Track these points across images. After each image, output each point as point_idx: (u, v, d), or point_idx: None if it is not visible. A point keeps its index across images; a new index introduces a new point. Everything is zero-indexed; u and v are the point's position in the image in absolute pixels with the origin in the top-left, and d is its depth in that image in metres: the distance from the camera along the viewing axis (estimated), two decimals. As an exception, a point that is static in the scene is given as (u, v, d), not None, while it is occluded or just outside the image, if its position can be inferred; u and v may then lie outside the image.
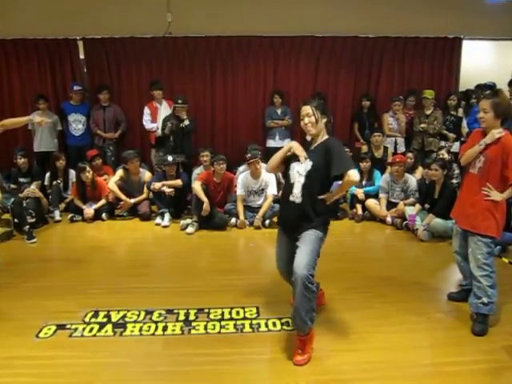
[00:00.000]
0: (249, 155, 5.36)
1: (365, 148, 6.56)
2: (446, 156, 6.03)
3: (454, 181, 5.72)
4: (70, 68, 6.92)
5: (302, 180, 2.68)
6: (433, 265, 4.24)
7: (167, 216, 5.45)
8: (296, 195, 2.68)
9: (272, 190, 5.39)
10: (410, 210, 5.13)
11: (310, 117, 2.66)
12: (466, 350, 2.73)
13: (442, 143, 6.52)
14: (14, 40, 6.67)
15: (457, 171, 5.97)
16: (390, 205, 5.52)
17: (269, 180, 5.41)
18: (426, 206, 5.05)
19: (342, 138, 6.87)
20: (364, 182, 5.81)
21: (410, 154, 6.18)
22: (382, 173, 5.86)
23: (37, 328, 3.01)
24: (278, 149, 6.68)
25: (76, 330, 3.00)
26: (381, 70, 7.19)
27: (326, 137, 2.73)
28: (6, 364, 2.63)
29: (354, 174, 2.58)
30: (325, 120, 2.70)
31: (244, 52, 6.97)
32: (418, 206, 5.11)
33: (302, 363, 2.59)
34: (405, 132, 6.74)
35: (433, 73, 7.20)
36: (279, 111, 6.81)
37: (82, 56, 6.94)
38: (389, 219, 5.37)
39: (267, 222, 5.31)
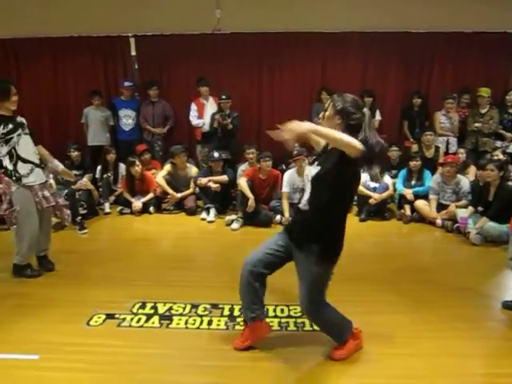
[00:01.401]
0: (295, 152, 5.32)
1: (415, 147, 6.36)
2: (501, 157, 5.76)
3: (510, 183, 5.45)
4: (121, 64, 7.11)
5: (309, 187, 2.42)
6: (485, 270, 4.05)
7: (213, 211, 5.50)
8: (303, 202, 2.46)
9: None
10: (462, 213, 4.94)
11: (326, 111, 2.39)
12: (521, 362, 2.59)
13: (498, 143, 6.24)
14: (69, 38, 6.91)
15: (513, 173, 5.68)
16: (441, 207, 5.33)
17: (314, 177, 5.35)
18: (480, 208, 4.84)
19: (390, 137, 6.71)
20: (413, 183, 5.65)
21: (461, 150, 5.95)
22: (433, 173, 5.66)
23: (87, 316, 3.12)
24: (324, 146, 6.66)
25: (124, 319, 3.08)
26: (433, 66, 6.94)
27: None
28: (58, 349, 2.74)
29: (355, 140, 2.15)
30: (339, 121, 2.30)
31: (292, 48, 6.91)
32: (470, 209, 4.91)
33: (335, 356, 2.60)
34: (458, 131, 6.49)
35: (489, 69, 6.86)
36: (327, 109, 6.71)
37: (133, 53, 7.10)
38: (439, 221, 5.19)
39: (312, 220, 5.25)
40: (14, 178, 3.57)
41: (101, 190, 5.97)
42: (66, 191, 5.40)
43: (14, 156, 3.57)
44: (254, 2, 6.61)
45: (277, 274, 2.77)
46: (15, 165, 3.58)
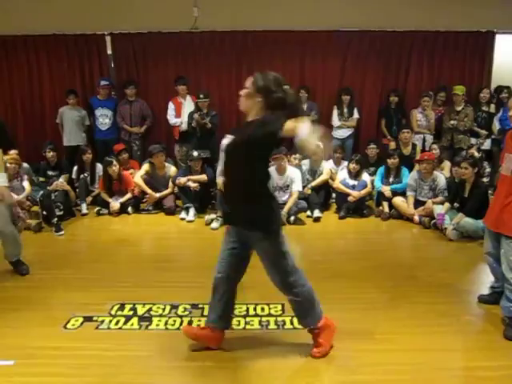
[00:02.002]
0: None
1: (392, 145, 6.45)
2: (476, 154, 5.88)
3: (485, 179, 5.57)
4: (97, 63, 7.01)
5: (223, 156, 2.41)
6: (462, 265, 4.12)
7: (192, 211, 5.46)
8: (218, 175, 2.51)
9: (297, 187, 5.34)
10: (439, 209, 5.01)
11: (244, 89, 2.34)
12: (497, 355, 2.64)
13: (473, 140, 6.37)
14: (44, 36, 6.78)
15: (488, 169, 5.81)
16: (418, 203, 5.39)
17: (294, 176, 5.36)
18: (456, 204, 4.92)
19: (368, 135, 6.81)
20: (391, 180, 5.71)
21: (434, 146, 6.04)
22: (410, 170, 5.74)
23: (64, 319, 3.06)
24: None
25: (103, 322, 3.03)
26: (410, 65, 7.04)
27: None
28: (35, 354, 2.67)
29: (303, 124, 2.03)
30: (260, 99, 2.25)
31: (270, 47, 6.91)
32: (447, 205, 4.99)
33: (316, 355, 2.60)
34: (434, 129, 6.60)
35: (464, 68, 7.01)
36: (305, 106, 6.74)
37: (109, 51, 7.01)
38: (416, 218, 5.26)
39: (292, 218, 5.27)
40: None
41: (77, 190, 5.86)
42: (42, 192, 5.30)
43: None
44: (232, 0, 6.59)
45: (255, 272, 2.75)
46: None
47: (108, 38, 6.93)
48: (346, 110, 6.72)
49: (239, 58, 6.98)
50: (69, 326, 2.99)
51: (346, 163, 5.99)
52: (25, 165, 5.82)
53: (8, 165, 5.22)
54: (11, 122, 7.02)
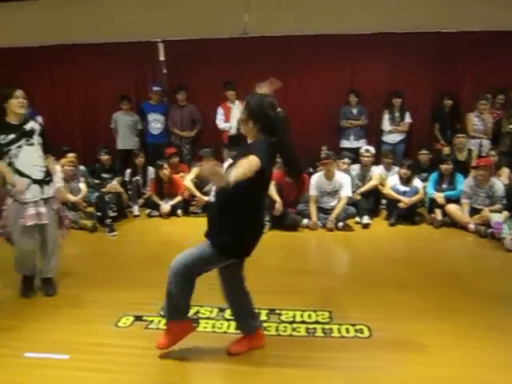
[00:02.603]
0: (323, 155, 5.27)
1: (446, 150, 6.23)
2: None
3: (548, 187, 5.26)
4: (150, 69, 7.24)
5: None
6: (522, 278, 3.91)
7: (239, 215, 5.49)
8: (212, 194, 2.49)
9: (346, 192, 5.27)
10: (497, 217, 4.78)
11: (242, 114, 2.43)
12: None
13: (534, 146, 6.03)
14: (100, 44, 7.08)
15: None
16: (473, 211, 5.17)
17: (343, 181, 5.29)
18: (515, 213, 4.69)
19: (420, 139, 6.60)
20: (445, 186, 5.51)
21: (492, 152, 5.78)
22: (465, 176, 5.51)
23: (116, 317, 3.15)
24: (351, 149, 6.60)
25: (152, 322, 3.10)
26: (465, 66, 6.77)
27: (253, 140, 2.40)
28: (87, 350, 2.78)
29: (252, 159, 2.16)
30: (252, 125, 2.37)
31: (319, 51, 6.87)
32: (505, 213, 4.76)
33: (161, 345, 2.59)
34: (491, 133, 6.30)
35: (525, 69, 6.65)
36: (355, 111, 6.66)
37: (161, 58, 7.21)
38: (471, 226, 5.04)
39: (340, 224, 5.19)
40: (9, 191, 3.34)
41: (130, 192, 6.05)
42: (97, 194, 5.51)
43: (12, 169, 3.30)
44: (282, 5, 6.61)
45: (302, 279, 2.73)
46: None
47: (161, 45, 7.13)
48: (397, 114, 6.56)
49: (288, 63, 6.96)
50: (120, 324, 3.09)
51: (396, 169, 5.85)
52: (81, 167, 6.10)
53: (66, 167, 5.50)
54: (69, 126, 7.38)
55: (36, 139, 3.39)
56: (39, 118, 6.82)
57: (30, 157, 3.34)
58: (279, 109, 2.37)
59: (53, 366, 2.65)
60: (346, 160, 5.86)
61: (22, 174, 3.32)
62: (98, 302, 3.44)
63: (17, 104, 3.26)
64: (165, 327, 2.68)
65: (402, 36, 6.64)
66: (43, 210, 3.39)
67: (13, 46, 7.10)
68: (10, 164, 3.30)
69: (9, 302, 3.48)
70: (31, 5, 6.79)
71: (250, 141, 2.45)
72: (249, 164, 2.15)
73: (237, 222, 2.38)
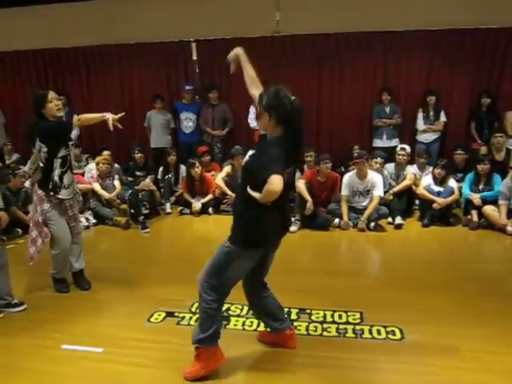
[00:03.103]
0: (355, 154, 5.22)
1: (483, 149, 6.05)
2: None
3: None
4: (183, 69, 7.32)
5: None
6: None
7: (270, 213, 5.50)
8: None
9: (378, 192, 5.19)
10: (536, 220, 4.62)
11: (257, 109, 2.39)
12: None
13: None
14: (134, 44, 7.22)
15: None
16: (511, 213, 5.01)
17: (376, 181, 5.21)
18: (556, 215, 4.51)
19: (456, 139, 6.43)
20: (481, 187, 5.34)
21: None
22: (503, 177, 5.33)
23: (148, 312, 3.22)
24: (384, 148, 6.50)
25: (183, 318, 3.15)
26: (504, 64, 6.53)
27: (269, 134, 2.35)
28: (121, 343, 2.85)
29: (274, 181, 2.12)
30: (268, 117, 2.28)
31: (352, 49, 6.79)
32: (545, 216, 4.58)
33: (186, 375, 2.48)
34: (532, 133, 6.09)
35: None
36: (388, 109, 6.55)
37: (194, 57, 7.28)
38: (510, 228, 4.87)
39: (372, 224, 5.12)
40: (52, 190, 3.36)
41: (162, 190, 6.15)
42: (130, 191, 5.63)
43: (68, 162, 3.41)
44: (314, 3, 6.56)
45: (334, 279, 2.71)
46: (64, 172, 3.39)
47: (193, 45, 7.20)
48: (431, 113, 6.41)
49: (320, 61, 6.93)
50: (152, 319, 3.14)
51: (430, 168, 5.71)
52: (116, 165, 6.25)
53: (101, 165, 5.64)
54: (104, 125, 7.53)
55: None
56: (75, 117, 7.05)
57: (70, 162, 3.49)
58: (293, 97, 2.30)
59: (87, 358, 2.73)
60: (379, 159, 5.77)
61: (72, 171, 3.49)
62: (131, 297, 3.51)
63: (55, 108, 3.33)
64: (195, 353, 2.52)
65: (438, 33, 6.48)
66: (76, 211, 3.58)
67: (51, 47, 7.34)
68: (67, 157, 3.39)
69: (47, 295, 3.60)
70: (69, 7, 6.99)
71: (268, 135, 2.38)
72: (271, 189, 2.13)
73: (250, 214, 2.34)
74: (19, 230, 4.85)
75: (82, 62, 7.52)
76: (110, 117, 3.33)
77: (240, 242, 2.36)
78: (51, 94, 3.35)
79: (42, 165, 3.36)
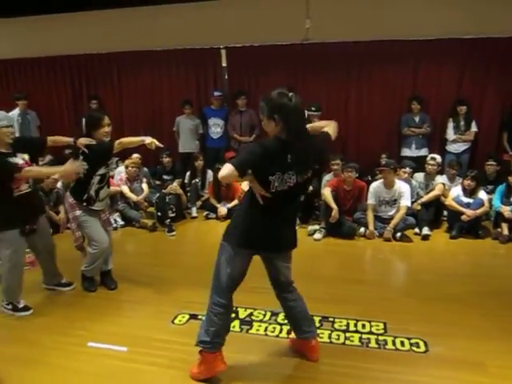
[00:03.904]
0: (382, 163, 5.17)
1: (516, 161, 5.90)
2: None
3: None
4: (212, 75, 7.40)
5: None
6: None
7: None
8: None
9: (406, 202, 5.12)
10: None
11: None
12: None
13: None
14: (165, 51, 7.34)
15: None
16: (544, 227, 4.87)
17: (403, 190, 5.14)
18: None
19: (487, 150, 6.30)
20: (512, 199, 5.22)
21: None
22: (536, 190, 5.19)
23: (172, 314, 3.27)
24: (413, 158, 6.40)
25: (206, 321, 3.17)
26: (540, 73, 6.37)
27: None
28: (145, 343, 2.91)
29: (224, 168, 2.18)
30: (273, 123, 2.25)
31: (382, 57, 6.73)
32: None
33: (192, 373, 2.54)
34: None
35: None
36: (417, 118, 6.47)
37: (224, 64, 7.36)
38: (541, 243, 4.74)
39: (398, 234, 5.05)
40: (85, 201, 3.48)
41: (189, 194, 6.22)
42: (158, 194, 5.72)
43: (106, 179, 3.55)
44: (344, 11, 6.55)
45: (358, 288, 2.69)
46: (101, 188, 3.50)
47: (223, 52, 7.29)
48: (462, 123, 6.30)
49: (349, 69, 6.90)
50: (176, 321, 3.19)
51: (460, 179, 5.61)
52: (144, 168, 6.36)
53: (130, 168, 5.76)
54: (134, 129, 7.71)
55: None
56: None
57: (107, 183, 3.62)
58: (291, 93, 2.24)
59: (112, 356, 2.80)
60: (407, 169, 5.70)
61: (109, 186, 3.70)
62: (155, 298, 3.57)
63: (103, 134, 3.43)
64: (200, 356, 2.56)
65: (470, 41, 6.37)
66: (108, 215, 3.79)
67: (85, 52, 7.56)
68: (106, 174, 3.54)
69: (74, 294, 3.71)
70: (103, 14, 7.17)
71: None
72: (224, 171, 2.18)
73: (239, 214, 2.46)
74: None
75: (114, 67, 7.69)
76: (149, 141, 3.40)
77: (225, 237, 2.47)
78: (106, 120, 3.46)
79: (80, 175, 3.39)
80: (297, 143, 2.23)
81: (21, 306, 3.34)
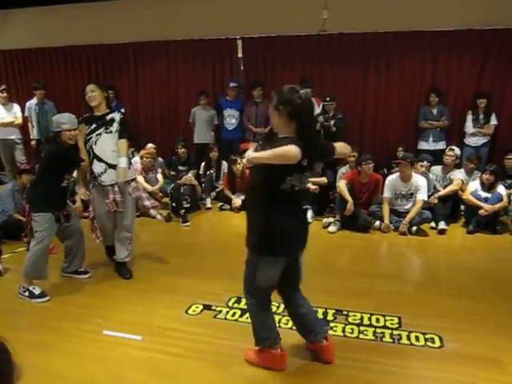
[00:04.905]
0: (400, 156, 5.10)
1: (536, 156, 5.77)
2: None
3: None
4: (228, 66, 7.36)
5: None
6: None
7: (310, 212, 5.47)
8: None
9: (422, 196, 5.05)
10: None
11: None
12: None
13: None
14: (181, 41, 7.33)
15: None
16: None
17: (420, 184, 5.07)
18: None
19: (507, 143, 6.17)
20: (533, 194, 5.12)
21: None
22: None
23: (186, 304, 3.29)
24: (430, 151, 6.30)
25: (220, 312, 3.20)
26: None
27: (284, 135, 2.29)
28: (160, 332, 2.94)
29: (290, 147, 2.12)
30: (279, 115, 2.25)
31: (400, 48, 6.61)
32: None
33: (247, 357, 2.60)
34: None
35: None
36: (435, 111, 6.36)
37: (240, 54, 7.32)
38: (561, 239, 4.65)
39: (414, 228, 5.00)
40: (91, 175, 3.73)
41: (203, 185, 6.24)
42: (172, 185, 5.74)
43: (91, 154, 3.66)
44: (362, 1, 6.45)
45: (372, 281, 2.66)
46: (91, 163, 3.67)
47: (239, 42, 7.24)
48: (481, 116, 6.18)
49: (367, 61, 6.80)
50: (190, 311, 3.21)
51: (478, 174, 5.51)
52: (159, 159, 6.38)
53: (145, 158, 5.78)
54: (150, 119, 7.75)
55: (115, 127, 3.69)
56: (122, 111, 7.25)
57: (107, 143, 3.66)
58: (301, 91, 2.26)
59: (127, 344, 2.83)
60: (425, 163, 5.61)
61: (99, 159, 3.66)
62: (170, 288, 3.60)
63: (88, 100, 3.67)
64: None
65: (491, 32, 6.22)
66: (119, 198, 3.68)
67: (102, 42, 7.58)
68: (89, 150, 3.65)
69: (92, 282, 3.77)
70: (118, 4, 7.18)
71: (280, 134, 2.33)
72: (285, 149, 2.12)
73: (261, 218, 2.34)
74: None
75: (131, 57, 7.70)
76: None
77: (255, 248, 2.40)
78: (88, 87, 3.67)
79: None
80: (308, 145, 2.20)
81: (37, 292, 3.41)
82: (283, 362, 2.56)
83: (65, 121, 3.46)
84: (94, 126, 3.67)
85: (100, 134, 3.66)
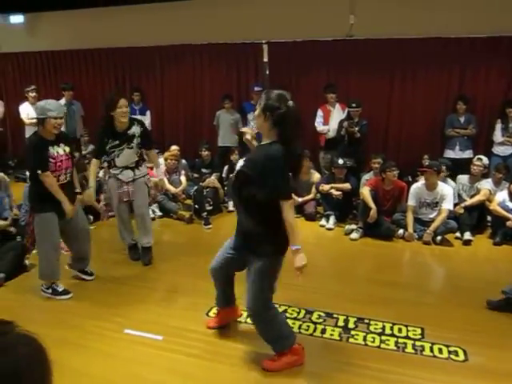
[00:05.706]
0: (426, 164, 5.02)
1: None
2: None
3: None
4: (253, 70, 7.39)
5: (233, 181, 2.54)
6: None
7: (332, 219, 5.44)
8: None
9: (448, 205, 4.95)
10: None
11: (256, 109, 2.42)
12: None
13: None
14: (207, 45, 7.40)
15: None
16: None
17: (446, 193, 4.97)
18: None
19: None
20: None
21: None
22: None
23: (207, 306, 3.31)
24: (456, 160, 6.19)
25: (240, 315, 3.18)
26: None
27: (268, 141, 2.39)
28: (180, 334, 2.96)
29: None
30: (265, 118, 2.34)
31: (427, 54, 6.52)
32: None
33: (266, 366, 2.57)
34: None
35: None
36: (462, 119, 6.25)
37: (265, 59, 7.33)
38: None
39: (438, 238, 4.91)
40: (108, 169, 4.04)
41: (226, 188, 6.25)
42: (195, 187, 5.78)
43: (112, 164, 3.97)
44: (389, 7, 6.39)
45: (393, 290, 2.62)
46: (109, 167, 4.03)
47: (265, 47, 7.25)
48: (511, 125, 6.04)
49: (393, 67, 6.74)
50: (210, 313, 3.23)
51: (506, 184, 5.38)
52: (183, 161, 6.43)
53: (169, 160, 5.84)
54: (174, 122, 7.83)
55: (135, 142, 3.93)
56: (148, 113, 7.35)
57: (128, 157, 3.95)
58: (290, 102, 2.33)
59: (147, 344, 2.85)
60: (443, 167, 5.48)
61: (118, 168, 3.97)
62: (190, 289, 3.62)
63: (120, 114, 3.74)
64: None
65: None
66: (132, 188, 3.99)
67: (129, 46, 7.71)
68: (110, 162, 3.95)
69: (114, 281, 3.81)
70: (145, 8, 7.27)
71: (263, 139, 2.45)
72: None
73: (267, 223, 2.42)
74: (91, 217, 5.11)
75: (157, 60, 7.81)
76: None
77: (264, 253, 2.45)
78: (123, 101, 3.79)
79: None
80: (291, 149, 2.34)
81: (60, 289, 3.46)
82: (304, 355, 2.64)
83: (51, 107, 3.22)
84: (117, 142, 3.86)
85: (122, 149, 3.90)
